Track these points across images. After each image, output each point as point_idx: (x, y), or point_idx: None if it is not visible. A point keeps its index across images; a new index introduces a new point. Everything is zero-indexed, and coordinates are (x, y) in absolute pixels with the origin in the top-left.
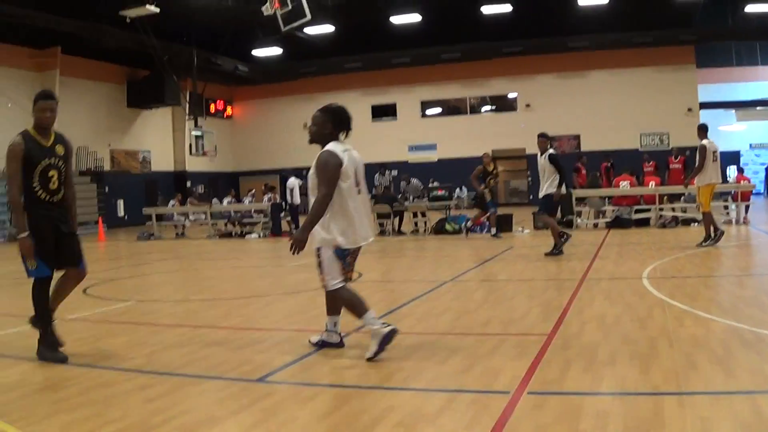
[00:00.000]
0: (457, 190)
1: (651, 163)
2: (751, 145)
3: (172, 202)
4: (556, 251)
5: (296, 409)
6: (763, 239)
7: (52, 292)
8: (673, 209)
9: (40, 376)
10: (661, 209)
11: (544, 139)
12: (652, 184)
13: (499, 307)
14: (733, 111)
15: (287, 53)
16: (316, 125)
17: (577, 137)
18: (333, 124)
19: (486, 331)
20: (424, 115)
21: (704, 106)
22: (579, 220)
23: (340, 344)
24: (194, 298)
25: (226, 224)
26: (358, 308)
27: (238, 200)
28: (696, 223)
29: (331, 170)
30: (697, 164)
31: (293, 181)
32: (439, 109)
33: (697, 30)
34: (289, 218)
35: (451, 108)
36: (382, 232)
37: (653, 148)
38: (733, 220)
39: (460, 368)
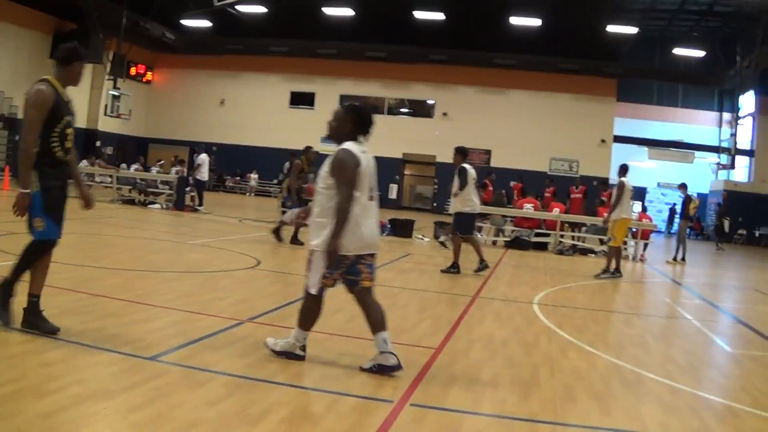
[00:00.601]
0: None
1: (550, 188)
2: (659, 183)
3: (84, 161)
4: (453, 269)
5: (187, 392)
6: (656, 279)
7: (32, 276)
8: (573, 237)
9: None
10: (561, 236)
11: (458, 155)
12: (556, 210)
13: (391, 314)
14: (646, 148)
15: (215, 27)
16: (336, 122)
17: (488, 152)
18: (353, 123)
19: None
20: None
21: (618, 139)
22: (479, 236)
23: (397, 367)
24: (92, 265)
25: (130, 191)
26: (308, 322)
27: (146, 168)
28: (593, 254)
29: (349, 171)
30: (614, 199)
31: (203, 157)
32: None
33: (623, 65)
34: (194, 193)
35: (369, 106)
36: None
37: (562, 173)
38: (630, 257)
39: (347, 371)
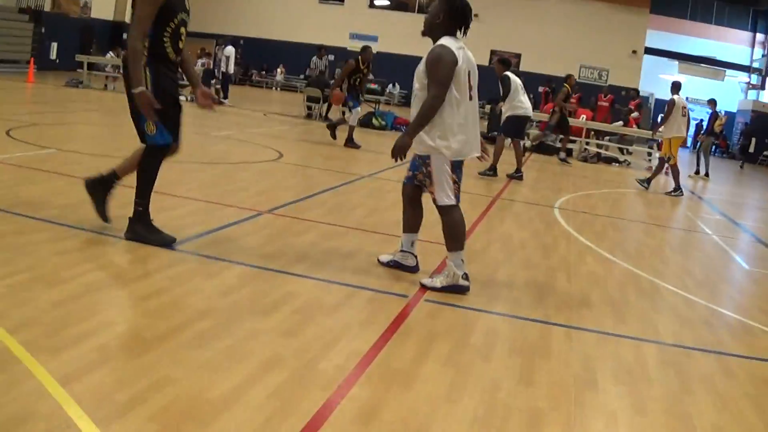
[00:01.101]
0: (390, 86)
1: (577, 95)
2: (687, 98)
3: (111, 53)
4: (490, 173)
5: (202, 280)
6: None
7: (127, 160)
8: (598, 146)
9: None
10: (587, 143)
11: (500, 65)
12: (583, 117)
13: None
14: (677, 62)
15: None
16: (430, 15)
17: (519, 56)
18: (446, 15)
19: (394, 233)
20: (371, 5)
21: (649, 51)
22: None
23: (415, 268)
24: (115, 155)
25: None
26: (459, 239)
27: None
28: (617, 164)
29: (444, 67)
30: (664, 116)
31: (230, 49)
32: (386, 2)
33: None
34: (219, 86)
35: (400, 3)
36: (309, 116)
37: (591, 81)
38: (653, 168)
39: (363, 265)
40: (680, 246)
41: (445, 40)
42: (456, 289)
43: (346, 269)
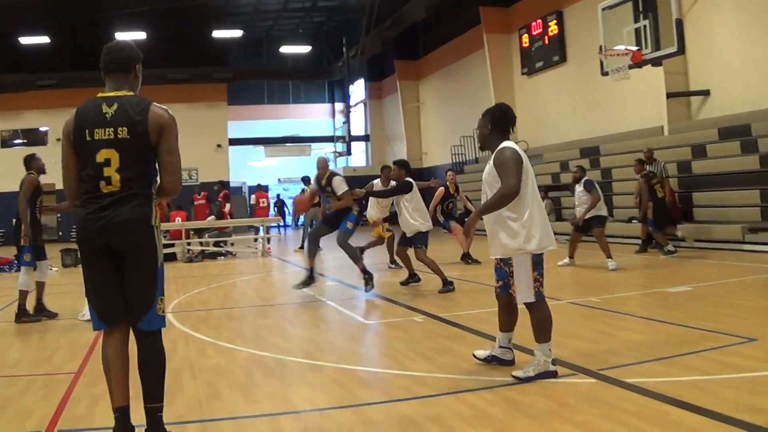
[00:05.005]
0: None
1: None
2: (279, 179)
3: None
4: (413, 280)
5: None
6: (284, 268)
7: None
8: (201, 243)
9: None
10: (188, 243)
11: (402, 170)
12: (178, 219)
13: (29, 347)
14: (262, 147)
15: None
16: (479, 129)
17: None
18: (492, 122)
19: (14, 373)
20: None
21: (235, 142)
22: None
23: (512, 362)
24: None
25: None
26: (549, 330)
27: None
28: (222, 257)
29: (511, 163)
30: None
31: None
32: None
33: (232, 69)
34: None
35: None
36: None
37: (184, 183)
38: (259, 252)
39: None
40: (298, 319)
41: (507, 143)
42: (547, 375)
43: None
